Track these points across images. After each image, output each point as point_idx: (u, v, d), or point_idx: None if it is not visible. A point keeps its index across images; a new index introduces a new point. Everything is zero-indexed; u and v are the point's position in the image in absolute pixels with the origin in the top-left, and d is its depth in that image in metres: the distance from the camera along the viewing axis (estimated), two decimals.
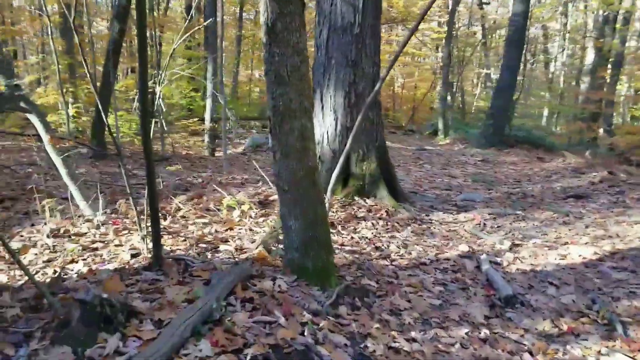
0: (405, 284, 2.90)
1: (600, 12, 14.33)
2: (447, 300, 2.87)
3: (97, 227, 3.03)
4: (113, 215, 3.32)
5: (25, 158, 5.85)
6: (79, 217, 3.17)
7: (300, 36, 2.30)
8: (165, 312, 1.77)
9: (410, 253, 3.55)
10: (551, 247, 4.02)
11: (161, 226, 3.06)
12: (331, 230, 3.62)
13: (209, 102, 10.05)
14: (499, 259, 3.69)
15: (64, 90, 8.02)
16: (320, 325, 2.08)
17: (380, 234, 3.85)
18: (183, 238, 2.94)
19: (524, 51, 11.69)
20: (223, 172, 5.93)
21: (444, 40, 16.99)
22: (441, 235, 4.16)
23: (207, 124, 10.04)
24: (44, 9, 7.31)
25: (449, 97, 15.63)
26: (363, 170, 4.72)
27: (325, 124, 4.78)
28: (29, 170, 4.74)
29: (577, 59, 21.83)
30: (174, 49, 3.14)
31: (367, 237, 3.68)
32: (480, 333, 2.59)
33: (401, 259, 3.40)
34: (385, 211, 4.35)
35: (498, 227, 4.63)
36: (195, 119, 13.17)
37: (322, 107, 4.82)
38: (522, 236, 4.35)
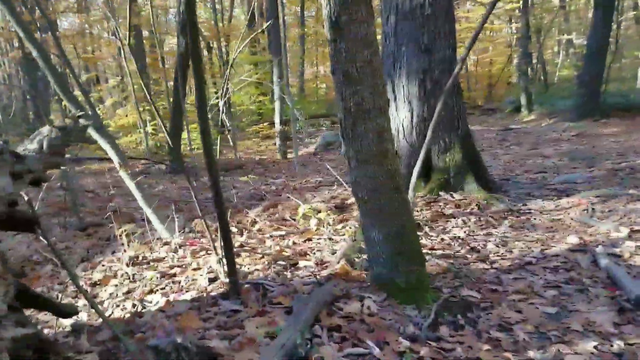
0: (512, 291, 2.53)
1: None
2: (564, 307, 2.45)
3: (175, 251, 2.96)
4: (191, 234, 3.26)
5: (110, 180, 6.09)
6: (157, 240, 3.12)
7: (368, 27, 2.04)
8: (246, 353, 1.59)
9: (511, 251, 3.15)
10: None
11: (238, 243, 2.93)
12: (418, 233, 3.32)
13: (277, 105, 10.05)
14: (617, 250, 3.17)
15: (141, 109, 8.32)
16: (421, 353, 1.80)
17: (473, 232, 3.47)
18: (260, 255, 2.78)
19: (614, 10, 10.48)
20: (296, 176, 5.80)
21: (517, 10, 15.83)
22: (544, 227, 3.68)
23: (277, 127, 10.05)
24: (117, 34, 7.62)
25: (529, 70, 14.50)
26: (446, 162, 4.34)
27: (399, 116, 4.45)
28: (112, 193, 4.87)
29: None
30: (233, 59, 3.00)
31: (459, 237, 3.32)
32: (612, 345, 2.17)
33: (502, 259, 3.01)
34: (476, 205, 3.95)
35: (609, 211, 4.04)
36: (266, 123, 13.29)
37: (395, 99, 4.50)
38: None
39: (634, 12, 20.67)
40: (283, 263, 2.62)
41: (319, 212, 3.59)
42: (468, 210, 3.86)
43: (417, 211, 3.85)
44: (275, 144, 10.46)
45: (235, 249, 2.77)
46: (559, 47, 23.58)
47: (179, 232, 3.18)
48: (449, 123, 4.43)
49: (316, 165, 7.82)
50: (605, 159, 6.56)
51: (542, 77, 18.77)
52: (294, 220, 3.61)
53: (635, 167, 5.78)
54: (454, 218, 3.73)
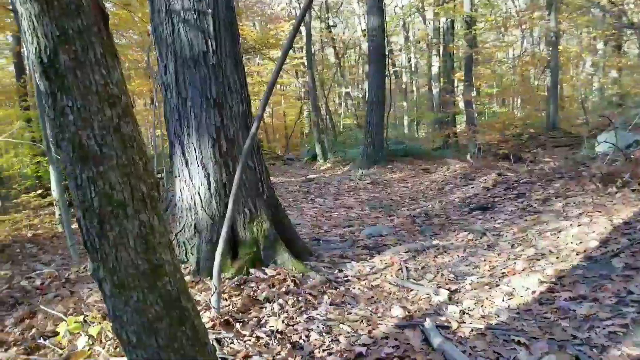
0: None
1: (443, 19, 15.20)
2: None
3: None
4: None
5: None
6: None
7: (109, 73, 1.30)
8: None
9: (337, 340, 2.67)
10: (491, 285, 3.43)
11: None
12: (227, 335, 2.62)
13: (52, 169, 8.36)
14: (444, 320, 2.96)
15: None
16: None
17: (293, 318, 2.92)
18: None
19: (385, 65, 11.74)
20: (73, 261, 4.55)
21: (302, 66, 16.86)
22: (365, 298, 3.35)
23: (55, 194, 8.34)
24: None
25: (319, 120, 15.38)
26: (254, 233, 3.77)
27: (194, 184, 3.76)
28: None
29: (425, 67, 23.45)
30: None
31: (277, 331, 2.73)
32: None
33: (329, 354, 2.51)
34: (292, 280, 3.44)
35: (422, 267, 3.98)
36: (43, 190, 11.25)
37: (187, 163, 3.79)
38: (454, 275, 3.74)
39: (395, 69, 24.21)
40: None
41: (92, 324, 2.60)
42: (284, 289, 3.32)
43: (226, 299, 3.16)
44: (54, 214, 8.66)
45: None
46: (339, 99, 26.12)
47: None
48: (253, 187, 3.91)
49: None
50: (401, 206, 6.88)
51: (330, 127, 20.25)
52: (53, 337, 2.53)
53: (428, 212, 6.13)
54: (270, 302, 3.13)
